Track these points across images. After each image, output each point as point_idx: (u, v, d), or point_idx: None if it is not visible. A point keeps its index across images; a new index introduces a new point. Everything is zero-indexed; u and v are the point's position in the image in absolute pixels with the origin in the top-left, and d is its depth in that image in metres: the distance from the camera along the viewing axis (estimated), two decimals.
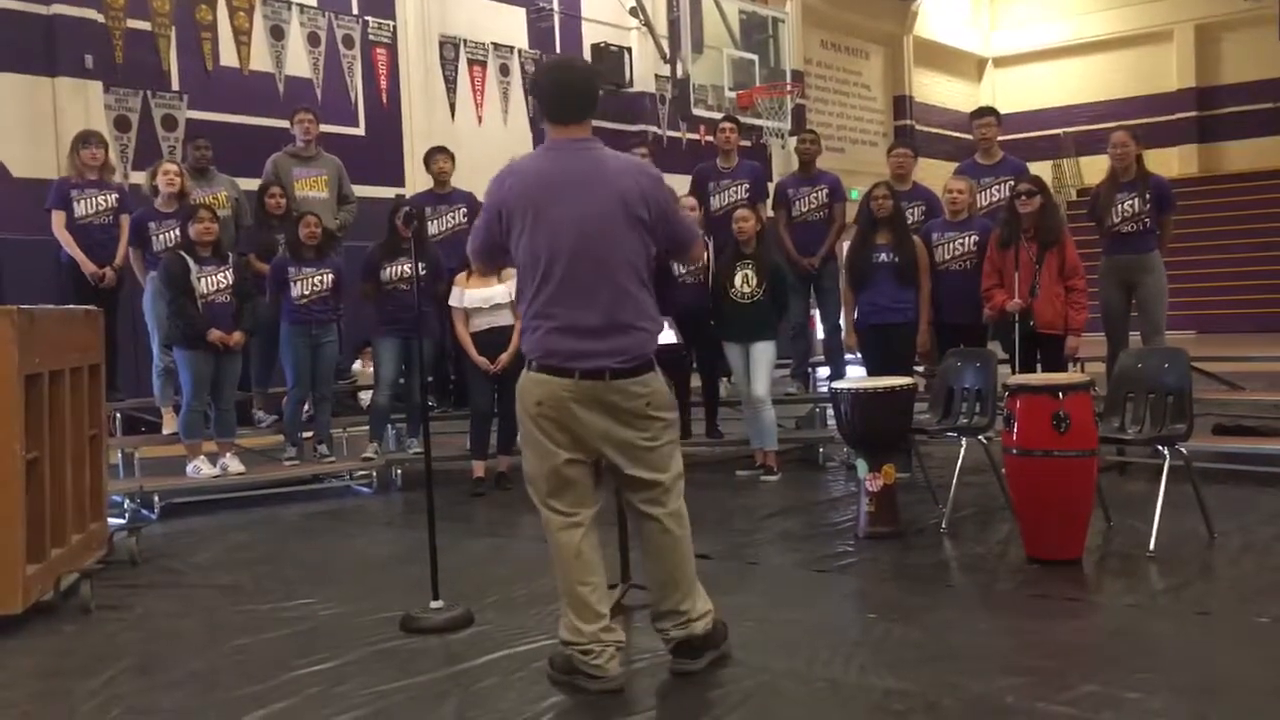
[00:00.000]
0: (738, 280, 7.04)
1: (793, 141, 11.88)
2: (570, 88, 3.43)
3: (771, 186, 8.77)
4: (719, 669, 3.55)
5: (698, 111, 14.56)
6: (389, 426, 7.93)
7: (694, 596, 3.52)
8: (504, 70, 14.51)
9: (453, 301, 7.08)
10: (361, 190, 8.58)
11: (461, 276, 7.09)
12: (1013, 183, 6.72)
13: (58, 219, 7.20)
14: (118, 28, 10.85)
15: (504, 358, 6.95)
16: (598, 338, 3.33)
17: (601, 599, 3.44)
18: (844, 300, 7.37)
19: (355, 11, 12.97)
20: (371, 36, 13.10)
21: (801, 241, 7.95)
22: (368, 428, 7.70)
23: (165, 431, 7.46)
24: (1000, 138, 7.59)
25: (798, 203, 8.01)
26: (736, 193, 7.94)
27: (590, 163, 3.39)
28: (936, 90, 22.66)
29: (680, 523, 3.49)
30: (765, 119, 14.85)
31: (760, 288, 7.02)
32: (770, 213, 8.18)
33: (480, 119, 14.18)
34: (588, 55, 15.23)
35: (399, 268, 7.25)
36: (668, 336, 4.41)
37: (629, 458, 3.40)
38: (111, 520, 5.92)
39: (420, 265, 5.50)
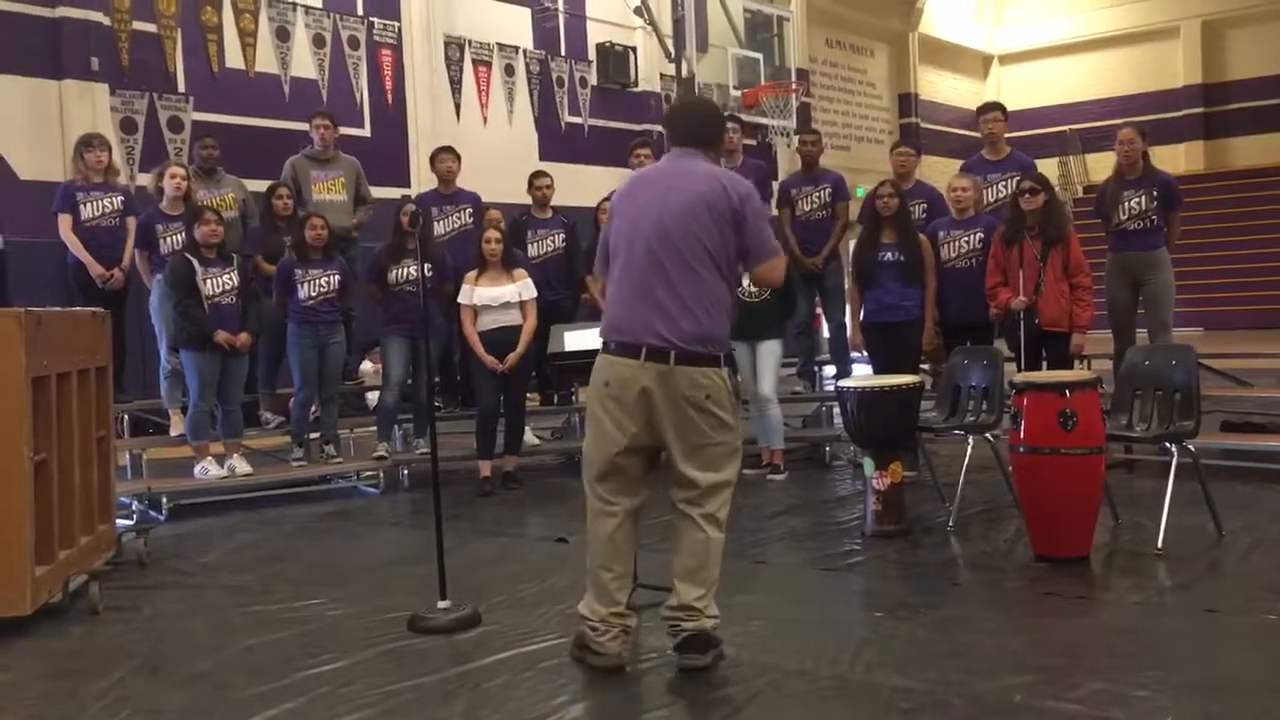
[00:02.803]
0: (745, 279, 7.01)
1: (798, 140, 11.85)
2: (684, 116, 3.87)
3: (776, 185, 8.76)
4: (724, 668, 3.55)
5: None
6: (396, 427, 7.94)
7: (711, 598, 3.59)
8: (509, 70, 14.51)
9: (462, 299, 7.08)
10: None
11: (471, 274, 7.10)
12: (1019, 179, 6.70)
13: (64, 222, 7.22)
14: (123, 30, 10.87)
15: (511, 358, 6.96)
16: (664, 317, 3.47)
17: (621, 588, 3.61)
18: (850, 299, 7.35)
19: (360, 12, 12.98)
20: (376, 37, 13.11)
21: (805, 241, 7.94)
22: (375, 428, 7.71)
23: (173, 433, 7.46)
24: (1006, 134, 7.56)
25: (800, 202, 8.00)
26: None
27: (685, 165, 3.67)
28: (942, 88, 22.63)
29: (715, 525, 3.58)
30: (770, 118, 14.84)
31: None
32: (775, 212, 8.18)
33: (485, 119, 14.18)
34: (592, 55, 15.24)
35: (405, 269, 7.26)
36: None
37: (683, 450, 3.51)
38: (119, 522, 5.93)
39: (425, 266, 5.50)
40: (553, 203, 8.31)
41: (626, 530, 3.61)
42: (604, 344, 3.59)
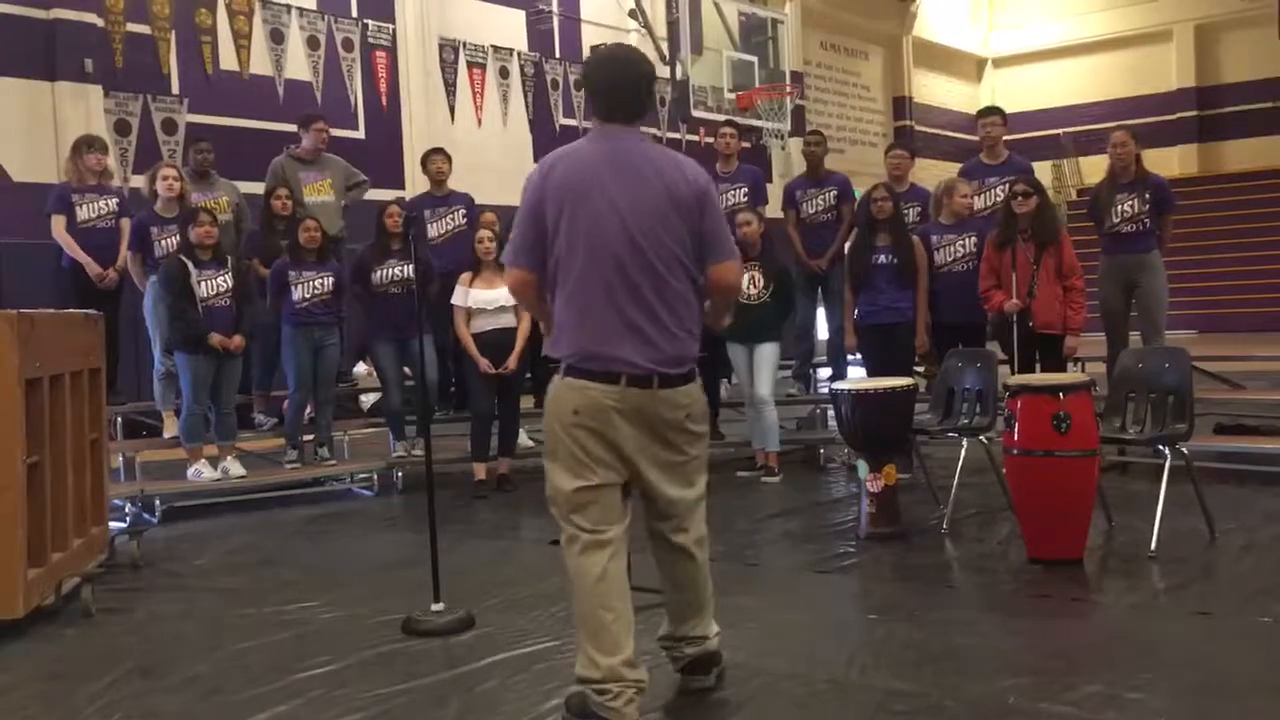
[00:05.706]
0: (744, 282, 7.02)
1: (792, 143, 11.84)
2: (617, 83, 3.20)
3: (772, 188, 8.76)
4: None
5: (697, 113, 14.59)
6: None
7: (710, 620, 3.41)
8: (503, 72, 14.52)
9: (456, 300, 7.07)
10: None
11: (466, 276, 7.09)
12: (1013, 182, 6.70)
13: (58, 223, 7.19)
14: (117, 32, 10.86)
15: (510, 361, 6.95)
16: (644, 340, 3.07)
17: (625, 630, 3.07)
18: (844, 301, 7.37)
19: (355, 14, 12.99)
20: (371, 39, 13.11)
21: (809, 243, 7.94)
22: (371, 430, 7.68)
23: (166, 435, 7.45)
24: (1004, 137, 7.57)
25: (805, 205, 8.00)
26: (735, 196, 7.93)
27: (639, 152, 3.15)
28: (936, 91, 22.68)
29: (704, 548, 3.33)
30: (765, 120, 14.86)
31: (767, 289, 7.02)
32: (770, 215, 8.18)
33: (480, 121, 14.20)
34: (587, 57, 15.25)
35: (390, 271, 7.25)
36: None
37: (661, 473, 3.16)
38: (113, 524, 5.91)
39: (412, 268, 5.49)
40: None
41: (620, 563, 3.11)
42: (566, 368, 3.12)
